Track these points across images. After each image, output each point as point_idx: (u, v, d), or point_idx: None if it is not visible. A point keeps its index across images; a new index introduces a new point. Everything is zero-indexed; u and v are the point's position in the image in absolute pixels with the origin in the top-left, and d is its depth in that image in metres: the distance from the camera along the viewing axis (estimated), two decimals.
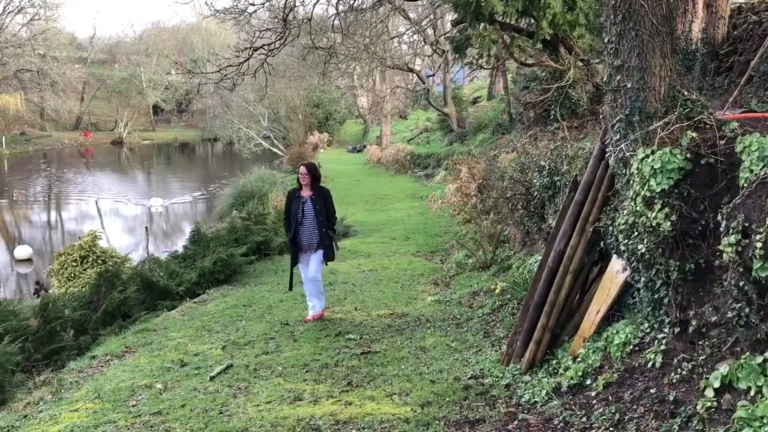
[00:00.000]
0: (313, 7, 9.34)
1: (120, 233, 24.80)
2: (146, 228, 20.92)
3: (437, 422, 4.08)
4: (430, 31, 25.72)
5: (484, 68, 15.95)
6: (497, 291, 7.17)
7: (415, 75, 30.79)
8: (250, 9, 9.59)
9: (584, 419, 3.83)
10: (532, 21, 10.75)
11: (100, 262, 12.02)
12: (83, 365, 6.15)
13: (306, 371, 5.35)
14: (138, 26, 77.27)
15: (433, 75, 29.96)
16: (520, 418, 4.03)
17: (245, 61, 7.85)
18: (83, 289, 10.00)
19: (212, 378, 5.25)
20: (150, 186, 36.44)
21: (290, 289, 7.53)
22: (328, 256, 7.26)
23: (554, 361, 4.54)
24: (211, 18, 12.24)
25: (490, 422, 4.02)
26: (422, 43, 27.53)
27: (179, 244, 15.48)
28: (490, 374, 4.87)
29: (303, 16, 9.79)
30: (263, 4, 9.64)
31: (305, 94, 39.59)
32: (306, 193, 7.17)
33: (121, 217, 28.02)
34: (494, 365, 5.02)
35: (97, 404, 4.80)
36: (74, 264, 12.33)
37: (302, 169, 7.31)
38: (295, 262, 7.34)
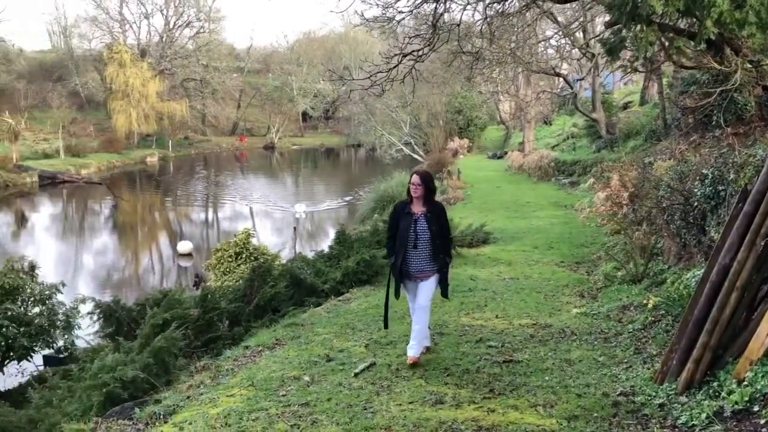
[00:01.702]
0: (462, 13, 9.28)
1: (270, 233, 26.25)
2: (294, 228, 22.02)
3: None
4: (579, 34, 24.88)
5: (639, 71, 15.14)
6: (650, 306, 6.76)
7: (561, 79, 29.94)
8: (398, 17, 9.79)
9: None
10: (694, 21, 10.06)
11: (252, 258, 12.80)
12: (238, 354, 6.55)
13: (447, 375, 5.35)
14: (291, 36, 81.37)
15: (582, 79, 28.89)
16: None
17: (394, 67, 8.02)
18: (237, 283, 10.69)
19: (356, 375, 5.39)
20: (297, 189, 38.21)
21: (386, 326, 6.16)
22: (444, 286, 5.94)
23: (715, 383, 4.20)
24: (359, 27, 12.60)
25: None
26: (570, 46, 26.71)
27: (324, 245, 16.11)
28: (642, 392, 4.59)
29: (449, 21, 9.83)
30: (411, 12, 9.80)
31: (447, 100, 39.79)
32: (418, 208, 5.81)
33: (271, 218, 29.62)
34: (646, 383, 4.73)
35: (251, 391, 5.10)
36: (230, 259, 13.22)
37: (414, 177, 5.86)
38: (396, 293, 5.93)
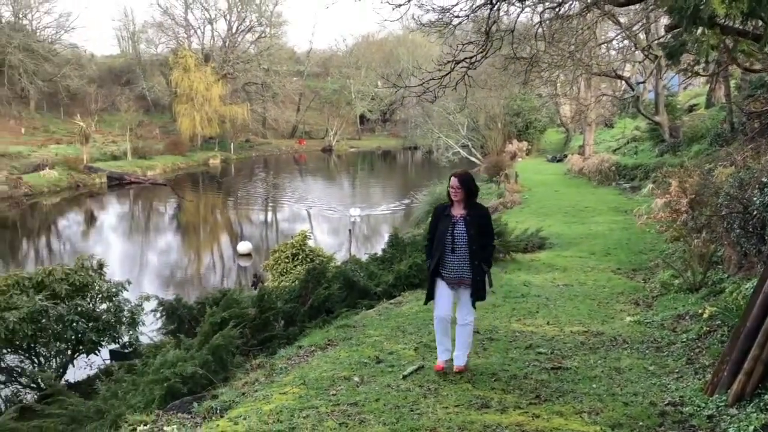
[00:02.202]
0: (517, 17, 9.27)
1: (326, 234, 26.64)
2: (349, 231, 22.28)
3: None
4: (642, 35, 24.32)
5: (700, 75, 14.74)
6: (705, 316, 6.64)
7: (623, 82, 29.30)
8: (455, 21, 9.85)
9: None
10: (760, 22, 9.77)
11: (308, 260, 13.10)
12: (291, 353, 6.76)
13: (494, 380, 5.40)
14: (349, 40, 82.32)
15: (642, 82, 28.21)
16: None
17: (447, 74, 8.10)
18: (293, 284, 10.95)
19: (405, 377, 5.51)
20: (354, 192, 38.59)
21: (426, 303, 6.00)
22: (478, 296, 5.67)
23: (767, 396, 4.14)
24: (417, 31, 12.70)
25: None
26: (633, 48, 26.12)
27: (378, 248, 16.30)
28: (691, 403, 4.55)
29: (506, 26, 9.83)
30: (467, 16, 9.85)
31: (505, 102, 39.46)
32: (458, 211, 5.61)
33: (327, 220, 30.03)
34: (696, 394, 4.69)
35: (302, 390, 5.28)
36: (286, 260, 13.55)
37: (453, 180, 5.61)
38: (427, 298, 5.85)
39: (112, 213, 34.13)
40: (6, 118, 48.59)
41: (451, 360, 5.74)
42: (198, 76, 52.01)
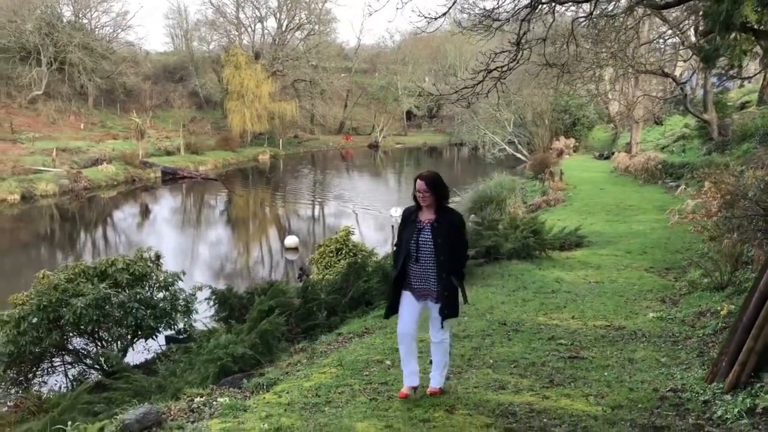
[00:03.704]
0: (552, 20, 9.57)
1: (371, 230, 27.26)
2: (392, 227, 22.83)
3: (623, 423, 4.39)
4: (690, 32, 24.11)
5: (735, 78, 14.73)
6: (724, 313, 6.96)
7: (671, 79, 29.01)
8: (495, 24, 10.26)
9: None
10: None
11: (351, 254, 13.69)
12: (331, 339, 7.38)
13: (514, 366, 5.89)
14: (396, 36, 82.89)
15: (685, 82, 27.88)
16: (705, 430, 4.17)
17: (479, 83, 8.55)
18: (336, 277, 11.58)
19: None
20: (399, 190, 39.06)
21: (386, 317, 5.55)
22: (445, 310, 5.06)
23: (758, 385, 4.52)
24: (459, 33, 13.10)
25: (675, 430, 4.22)
26: (681, 45, 25.88)
27: None
28: (691, 390, 4.96)
29: (541, 33, 10.17)
30: (507, 20, 10.25)
31: (552, 99, 39.33)
32: (426, 217, 5.08)
33: (372, 215, 30.65)
34: (697, 382, 5.08)
35: (339, 370, 5.89)
36: (331, 254, 14.19)
37: (419, 183, 5.06)
38: (387, 311, 5.38)
39: (165, 206, 35.51)
40: (66, 114, 50.79)
41: (420, 387, 5.26)
42: (248, 74, 53.26)
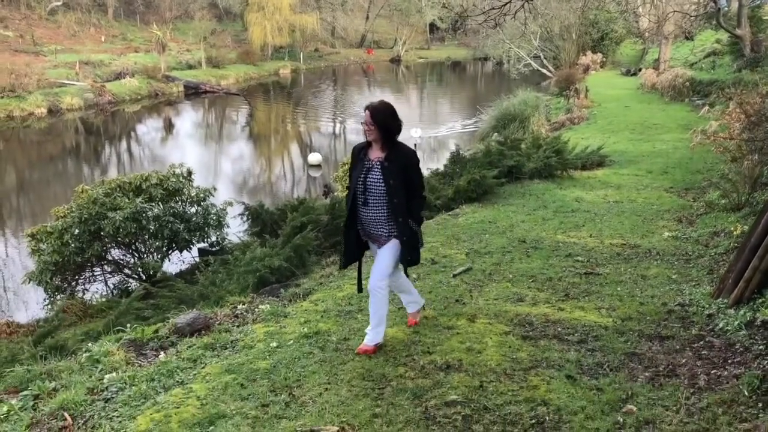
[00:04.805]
0: None
1: None
2: (414, 145, 22.98)
3: (631, 332, 4.80)
4: None
5: None
6: (737, 233, 7.23)
7: None
8: None
9: (762, 347, 4.25)
10: None
11: None
12: None
13: (532, 281, 6.28)
14: None
15: None
16: (706, 339, 4.56)
17: (506, 4, 8.53)
18: None
19: (455, 276, 6.45)
20: (421, 108, 38.76)
21: (360, 290, 5.12)
22: (407, 257, 4.65)
23: (760, 300, 4.87)
24: None
25: (679, 339, 4.62)
26: None
27: (442, 163, 17.03)
28: (697, 304, 5.33)
29: None
30: None
31: (581, 12, 38.16)
32: (375, 154, 4.55)
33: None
34: (704, 298, 5.44)
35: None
36: None
37: (366, 114, 4.46)
38: (342, 262, 5.03)
39: (188, 121, 35.74)
40: (87, 26, 50.42)
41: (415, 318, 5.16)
42: None
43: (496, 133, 20.90)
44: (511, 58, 42.38)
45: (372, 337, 4.72)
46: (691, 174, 12.89)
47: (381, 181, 4.46)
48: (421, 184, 4.66)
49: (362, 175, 4.52)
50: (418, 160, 4.61)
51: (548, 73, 38.49)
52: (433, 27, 71.56)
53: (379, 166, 4.48)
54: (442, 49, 71.07)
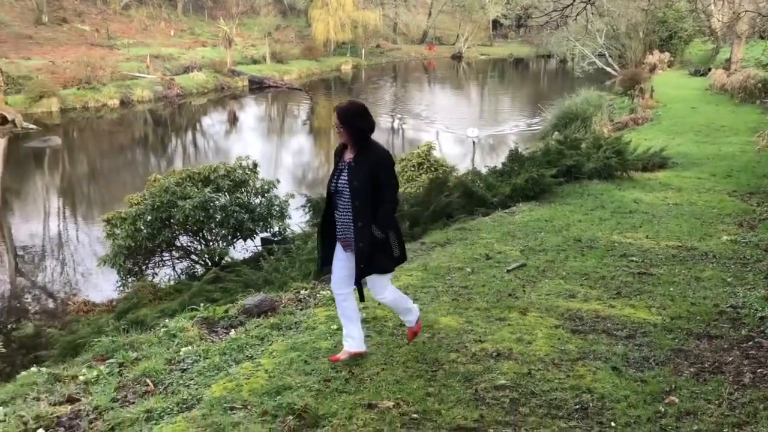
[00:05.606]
0: None
1: (451, 145, 27.50)
2: (473, 143, 23.08)
3: (680, 330, 4.92)
4: None
5: None
6: None
7: None
8: None
9: None
10: None
11: (433, 169, 14.23)
12: (416, 248, 8.04)
13: (585, 279, 6.42)
14: None
15: None
16: (756, 340, 4.64)
17: (568, 6, 8.62)
18: (418, 191, 12.19)
19: (508, 271, 6.65)
20: (482, 106, 38.56)
21: (361, 300, 4.65)
22: (360, 264, 4.29)
23: None
24: None
25: (727, 339, 4.72)
26: None
27: (500, 160, 17.11)
28: (750, 307, 5.38)
29: None
30: None
31: (648, 10, 37.28)
32: (348, 155, 4.38)
33: (453, 132, 30.73)
34: (758, 301, 5.49)
35: (424, 274, 6.59)
36: (412, 168, 14.76)
37: (334, 115, 4.33)
38: (318, 266, 4.90)
39: (251, 114, 36.69)
40: (157, 20, 52.25)
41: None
42: None
43: (556, 132, 20.77)
44: (575, 56, 41.73)
45: (410, 320, 4.73)
46: (757, 178, 12.63)
47: (348, 184, 4.27)
48: (392, 187, 4.33)
49: (335, 177, 4.38)
50: (391, 162, 4.38)
51: (613, 72, 37.77)
52: (496, 23, 70.98)
53: (347, 168, 4.31)
54: (505, 45, 70.42)
